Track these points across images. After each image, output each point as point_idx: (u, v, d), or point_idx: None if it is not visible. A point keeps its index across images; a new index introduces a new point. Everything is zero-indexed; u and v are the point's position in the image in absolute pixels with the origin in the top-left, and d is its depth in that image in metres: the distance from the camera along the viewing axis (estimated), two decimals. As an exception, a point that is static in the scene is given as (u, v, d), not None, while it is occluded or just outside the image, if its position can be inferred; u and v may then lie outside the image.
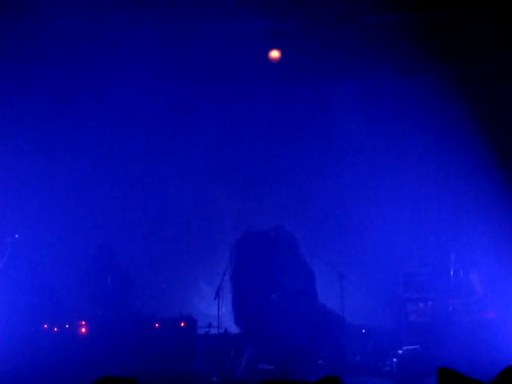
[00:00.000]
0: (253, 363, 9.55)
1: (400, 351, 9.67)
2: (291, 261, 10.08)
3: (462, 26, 10.08)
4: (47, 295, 10.09)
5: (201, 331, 10.13)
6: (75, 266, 10.65)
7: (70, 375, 8.85)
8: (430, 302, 10.17)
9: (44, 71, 10.48)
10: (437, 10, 10.08)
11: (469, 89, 10.74)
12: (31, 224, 10.42)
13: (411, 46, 10.16)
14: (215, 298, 9.95)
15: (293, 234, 10.23)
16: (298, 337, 9.58)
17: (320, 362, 9.71)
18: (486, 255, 9.99)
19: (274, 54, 10.61)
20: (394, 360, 9.60)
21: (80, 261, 10.69)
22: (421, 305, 10.27)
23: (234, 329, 10.04)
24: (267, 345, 9.62)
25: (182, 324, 9.89)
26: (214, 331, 10.12)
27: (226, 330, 10.01)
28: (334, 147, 11.59)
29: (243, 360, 9.60)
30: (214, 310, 10.04)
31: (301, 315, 9.77)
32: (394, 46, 10.05)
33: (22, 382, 8.65)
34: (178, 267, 11.25)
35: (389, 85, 11.18)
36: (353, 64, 10.80)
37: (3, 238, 9.62)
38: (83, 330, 9.68)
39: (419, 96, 10.90)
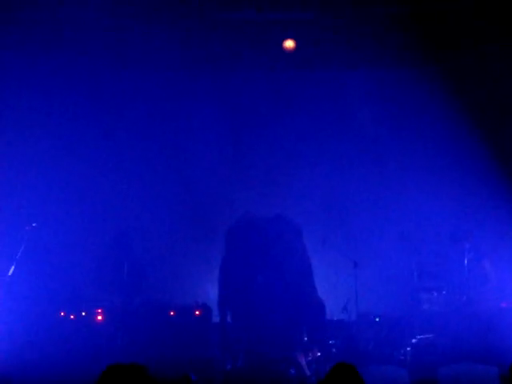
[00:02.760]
0: (251, 353, 9.55)
1: (413, 340, 9.68)
2: (285, 248, 10.06)
3: (475, 15, 10.04)
4: (64, 283, 10.18)
5: (215, 319, 10.18)
6: (92, 255, 10.72)
7: (86, 362, 8.92)
8: (443, 291, 10.17)
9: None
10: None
11: (481, 78, 10.73)
12: (48, 213, 10.50)
13: (425, 35, 10.14)
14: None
15: (294, 222, 10.21)
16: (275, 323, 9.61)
17: (334, 350, 9.75)
18: (501, 245, 9.98)
19: (289, 43, 10.58)
20: (408, 349, 9.62)
21: (96, 250, 10.76)
22: (434, 294, 10.28)
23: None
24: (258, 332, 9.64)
25: (197, 312, 9.95)
26: (228, 320, 10.16)
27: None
28: (348, 135, 11.59)
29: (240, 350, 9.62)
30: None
31: (280, 305, 9.78)
32: (409, 36, 10.02)
33: (37, 369, 8.72)
34: (194, 256, 11.30)
35: (402, 74, 11.16)
36: (367, 53, 10.79)
37: (21, 226, 9.70)
38: (99, 317, 9.76)
39: (433, 85, 10.87)
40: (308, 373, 9.26)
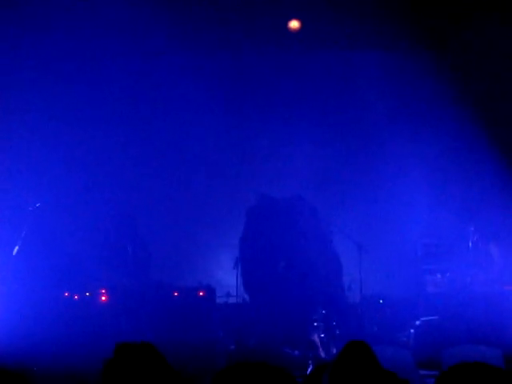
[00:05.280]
0: (263, 335, 9.58)
1: (417, 322, 9.69)
2: (305, 231, 10.08)
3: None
4: (68, 264, 10.18)
5: (219, 300, 10.20)
6: (96, 236, 10.71)
7: (90, 343, 8.94)
8: (448, 273, 10.17)
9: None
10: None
11: (488, 60, 10.67)
12: (53, 193, 10.49)
13: (435, 17, 10.08)
14: (234, 268, 10.03)
15: (311, 203, 10.23)
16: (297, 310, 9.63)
17: (337, 331, 9.76)
18: (506, 226, 9.95)
19: (294, 24, 10.53)
20: (412, 331, 9.62)
21: (101, 230, 10.76)
22: (439, 276, 10.27)
23: (250, 298, 10.12)
24: (274, 316, 9.66)
25: (201, 293, 9.96)
26: (232, 300, 10.19)
27: (243, 299, 10.08)
28: (356, 117, 11.54)
29: (254, 330, 9.66)
30: (233, 279, 10.12)
31: (308, 287, 9.79)
32: (418, 18, 9.96)
33: (42, 349, 8.74)
34: (198, 237, 11.30)
35: (412, 56, 11.09)
36: (375, 34, 10.73)
37: (25, 206, 9.70)
38: (103, 298, 9.78)
39: (442, 68, 10.80)
40: (311, 354, 9.28)
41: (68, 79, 10.94)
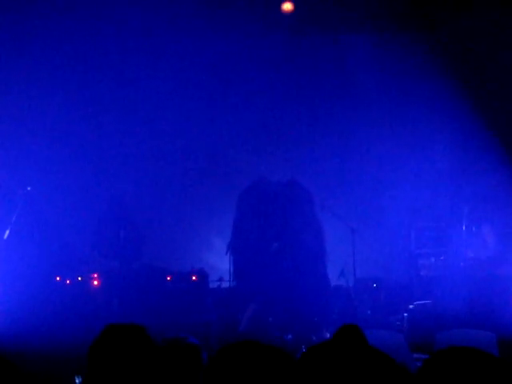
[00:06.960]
0: (255, 318, 9.54)
1: (411, 306, 9.67)
2: (300, 215, 10.02)
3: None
4: (60, 248, 10.12)
5: (212, 285, 10.17)
6: (88, 219, 10.65)
7: (82, 327, 8.89)
8: (441, 257, 10.15)
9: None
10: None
11: (485, 43, 10.61)
12: (44, 177, 10.41)
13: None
14: (226, 253, 9.97)
15: (306, 188, 10.19)
16: (298, 293, 9.58)
17: (331, 315, 9.73)
18: (500, 209, 9.92)
19: (287, 6, 10.47)
20: (405, 315, 9.60)
21: (92, 214, 10.69)
22: (432, 259, 10.25)
23: (243, 282, 10.07)
24: (268, 299, 9.61)
25: (194, 277, 9.93)
26: (224, 285, 10.16)
27: (236, 283, 10.04)
28: (348, 100, 11.48)
29: (246, 314, 9.62)
30: (225, 264, 10.07)
31: (302, 271, 9.74)
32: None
33: (33, 334, 8.69)
34: (191, 221, 11.26)
35: (404, 38, 11.03)
36: (368, 17, 10.67)
37: (15, 190, 9.63)
38: (95, 282, 9.73)
39: (434, 50, 10.74)
40: (304, 338, 9.25)
41: (66, 66, 10.87)
